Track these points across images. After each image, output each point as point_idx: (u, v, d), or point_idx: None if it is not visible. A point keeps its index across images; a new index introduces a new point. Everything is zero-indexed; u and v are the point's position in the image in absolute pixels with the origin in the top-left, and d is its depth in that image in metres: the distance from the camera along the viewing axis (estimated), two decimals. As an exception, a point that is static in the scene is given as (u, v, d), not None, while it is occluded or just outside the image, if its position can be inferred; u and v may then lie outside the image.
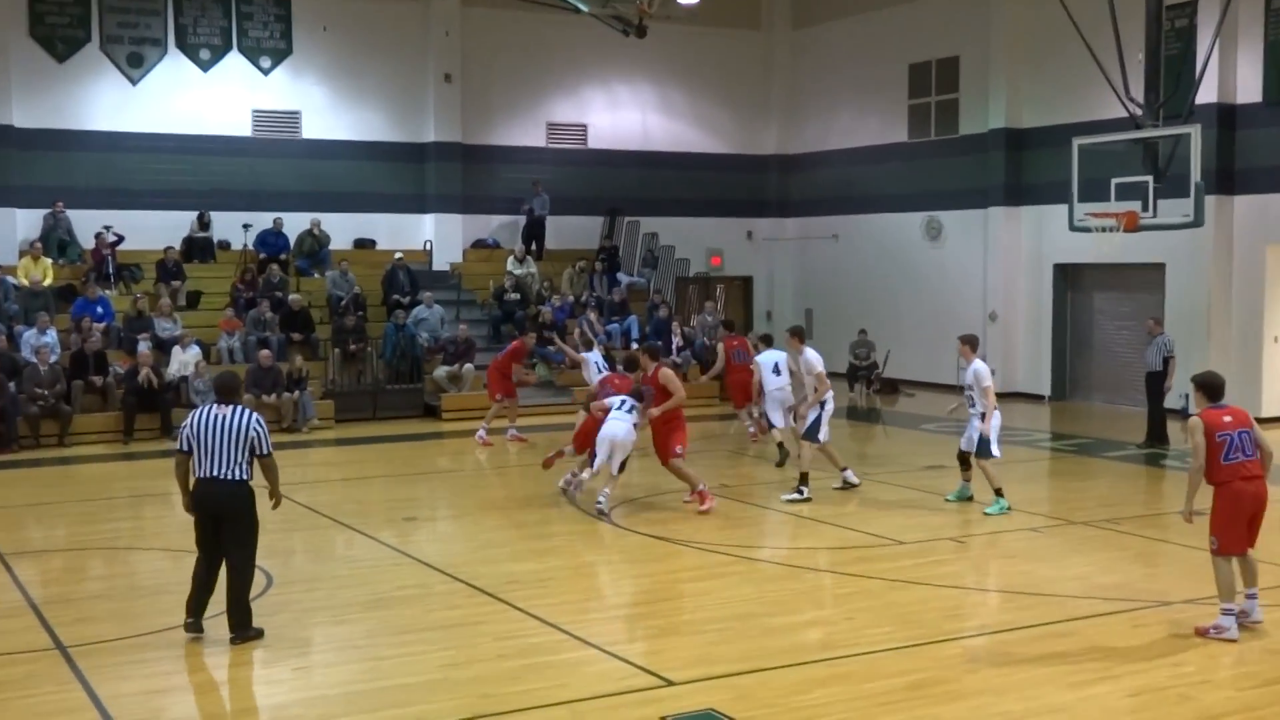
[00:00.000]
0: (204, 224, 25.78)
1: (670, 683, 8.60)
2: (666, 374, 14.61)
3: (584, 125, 30.09)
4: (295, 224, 26.09)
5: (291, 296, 24.04)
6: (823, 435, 15.26)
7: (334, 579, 11.73)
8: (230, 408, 9.51)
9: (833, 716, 7.95)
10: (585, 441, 15.00)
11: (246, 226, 25.79)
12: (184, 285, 24.32)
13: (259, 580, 11.19)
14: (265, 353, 21.63)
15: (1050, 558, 12.45)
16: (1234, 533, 9.48)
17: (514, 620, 10.21)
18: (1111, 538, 13.21)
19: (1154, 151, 19.49)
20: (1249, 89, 22.44)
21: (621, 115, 30.47)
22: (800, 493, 14.89)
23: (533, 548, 12.95)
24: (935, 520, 14.11)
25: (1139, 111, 19.99)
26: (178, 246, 25.14)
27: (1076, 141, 20.53)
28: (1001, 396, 25.48)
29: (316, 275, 25.70)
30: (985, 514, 14.05)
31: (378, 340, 23.93)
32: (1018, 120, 26.41)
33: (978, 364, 14.61)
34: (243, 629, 9.44)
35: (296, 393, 21.58)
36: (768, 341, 18.60)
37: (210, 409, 9.54)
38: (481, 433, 20.03)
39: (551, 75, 29.49)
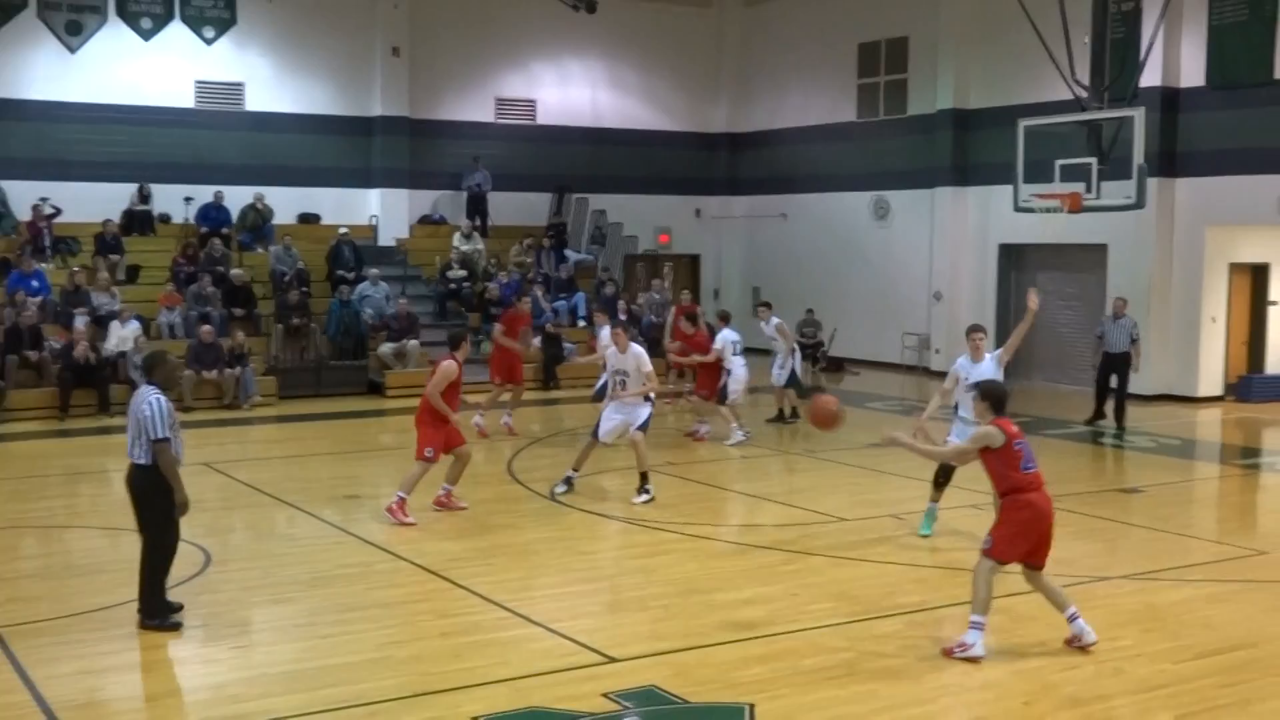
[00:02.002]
0: (144, 197, 25.42)
1: (612, 659, 8.61)
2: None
3: (533, 101, 29.95)
4: (238, 197, 25.77)
5: (234, 271, 23.78)
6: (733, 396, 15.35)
7: (274, 557, 11.66)
8: (143, 388, 9.24)
9: (774, 692, 7.98)
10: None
11: (188, 200, 25.48)
12: (123, 259, 24.00)
13: (197, 558, 11.15)
14: (206, 328, 21.41)
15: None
16: (1023, 542, 8.77)
17: (456, 598, 10.18)
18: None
19: (1098, 134, 19.64)
20: (1192, 73, 22.64)
21: (571, 91, 30.34)
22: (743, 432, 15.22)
23: (475, 525, 12.90)
24: (878, 497, 14.20)
25: (1084, 94, 20.15)
26: (116, 219, 24.77)
27: (1022, 123, 20.67)
28: (945, 376, 25.76)
29: (260, 250, 25.43)
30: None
31: (322, 316, 23.75)
32: (965, 101, 26.53)
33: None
34: (144, 616, 9.17)
35: (238, 369, 21.38)
36: (725, 319, 18.84)
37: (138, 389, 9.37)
38: (478, 419, 17.95)
39: (500, 50, 29.30)
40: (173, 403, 9.30)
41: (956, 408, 12.03)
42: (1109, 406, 19.90)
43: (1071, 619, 8.82)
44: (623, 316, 25.13)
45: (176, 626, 9.17)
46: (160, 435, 8.97)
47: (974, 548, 11.75)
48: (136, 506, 9.18)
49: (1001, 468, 8.84)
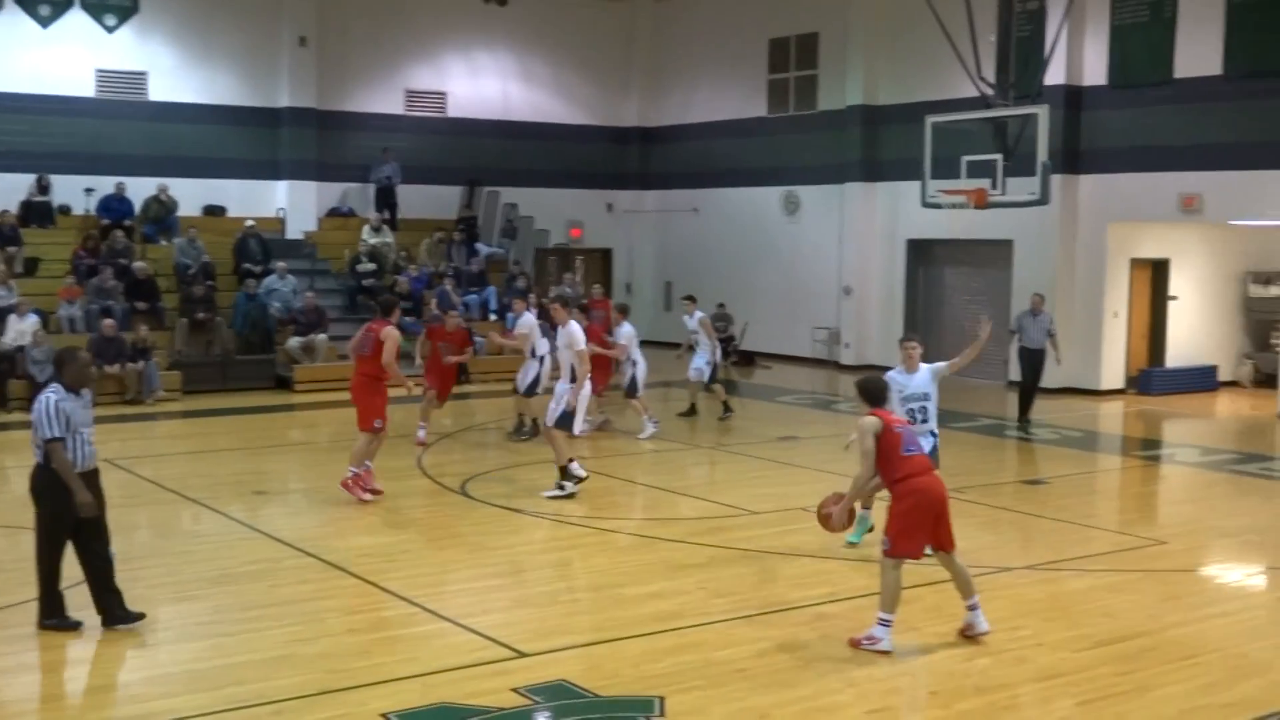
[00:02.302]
0: (43, 187, 24.88)
1: (522, 654, 8.59)
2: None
3: (443, 93, 29.75)
4: (141, 189, 25.30)
5: (136, 264, 23.35)
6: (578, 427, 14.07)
7: (179, 554, 11.47)
8: (46, 386, 8.97)
9: (684, 684, 8.01)
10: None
11: (89, 191, 24.99)
12: (21, 251, 23.44)
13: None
14: (108, 322, 21.02)
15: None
16: (916, 532, 8.68)
17: (364, 594, 10.10)
18: (956, 506, 13.45)
19: (1003, 131, 19.93)
20: (1095, 72, 23.05)
21: (482, 84, 30.18)
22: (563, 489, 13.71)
23: (385, 521, 12.81)
24: (787, 490, 14.29)
25: (990, 91, 20.43)
26: (14, 210, 24.22)
27: (929, 119, 20.91)
28: (855, 369, 26.04)
29: (164, 242, 25.00)
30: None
31: (228, 310, 23.42)
32: (874, 98, 26.78)
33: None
34: (42, 616, 8.94)
35: (141, 363, 21.03)
36: (624, 313, 18.81)
37: None
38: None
39: (410, 41, 29.07)
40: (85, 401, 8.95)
41: None
42: (1016, 398, 20.19)
43: (970, 608, 8.89)
44: (534, 310, 25.09)
45: (76, 626, 8.95)
46: (50, 435, 8.64)
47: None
48: (35, 506, 8.95)
49: (884, 455, 8.75)
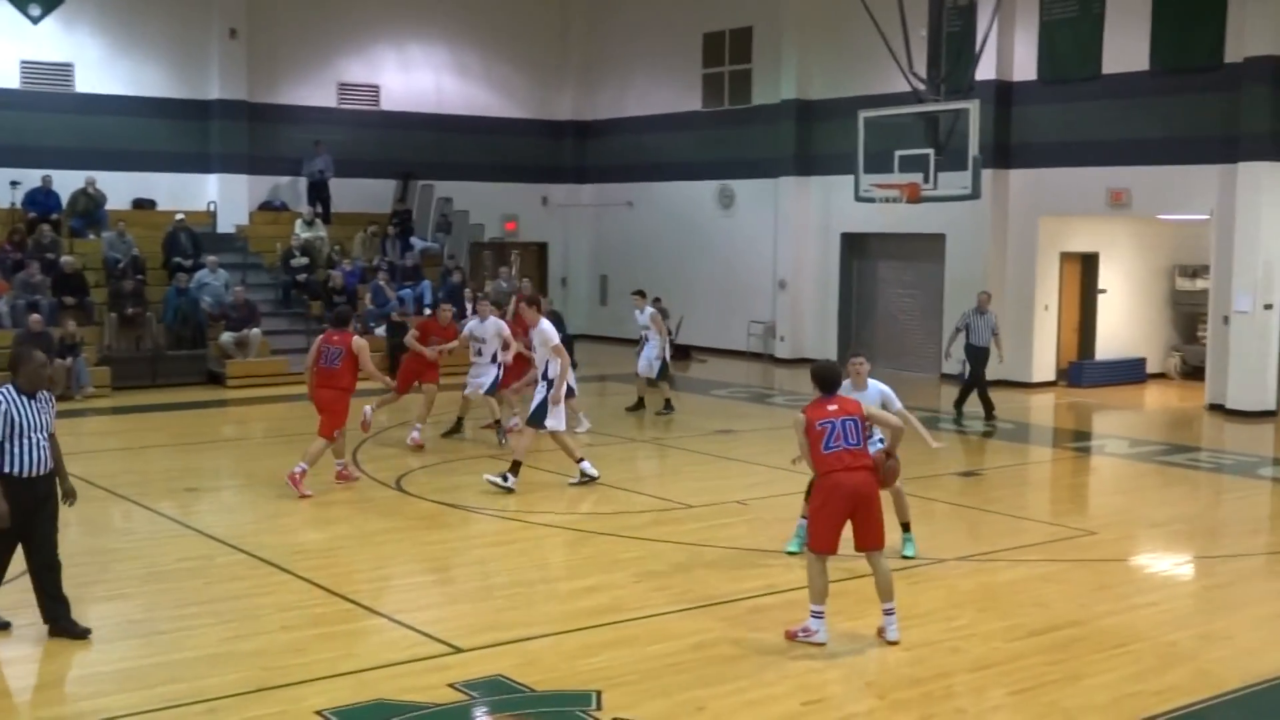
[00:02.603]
0: (-32, 181, 24.50)
1: (458, 649, 8.57)
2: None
3: (376, 86, 29.55)
4: (68, 182, 24.89)
5: (64, 258, 23.00)
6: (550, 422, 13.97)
7: (110, 552, 11.33)
8: None
9: (619, 679, 8.02)
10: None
11: (14, 184, 24.55)
12: (-54, 245, 23.10)
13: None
14: (35, 317, 20.67)
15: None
16: (827, 527, 8.64)
17: (299, 591, 10.03)
18: (889, 499, 13.58)
19: (935, 125, 20.08)
20: (1025, 67, 23.30)
21: (415, 77, 30.01)
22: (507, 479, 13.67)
23: (320, 516, 12.72)
24: (722, 484, 14.34)
25: (922, 86, 20.57)
26: (-61, 205, 23.85)
27: (862, 114, 21.03)
28: (790, 363, 26.18)
29: (92, 236, 24.64)
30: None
31: (158, 305, 23.13)
32: (808, 92, 26.91)
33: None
34: None
35: (70, 359, 20.73)
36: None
37: None
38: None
39: (342, 34, 28.85)
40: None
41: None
42: (956, 392, 20.18)
43: (886, 612, 8.83)
44: (469, 304, 25.00)
45: (4, 626, 8.80)
46: None
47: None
48: None
49: (810, 450, 8.79)
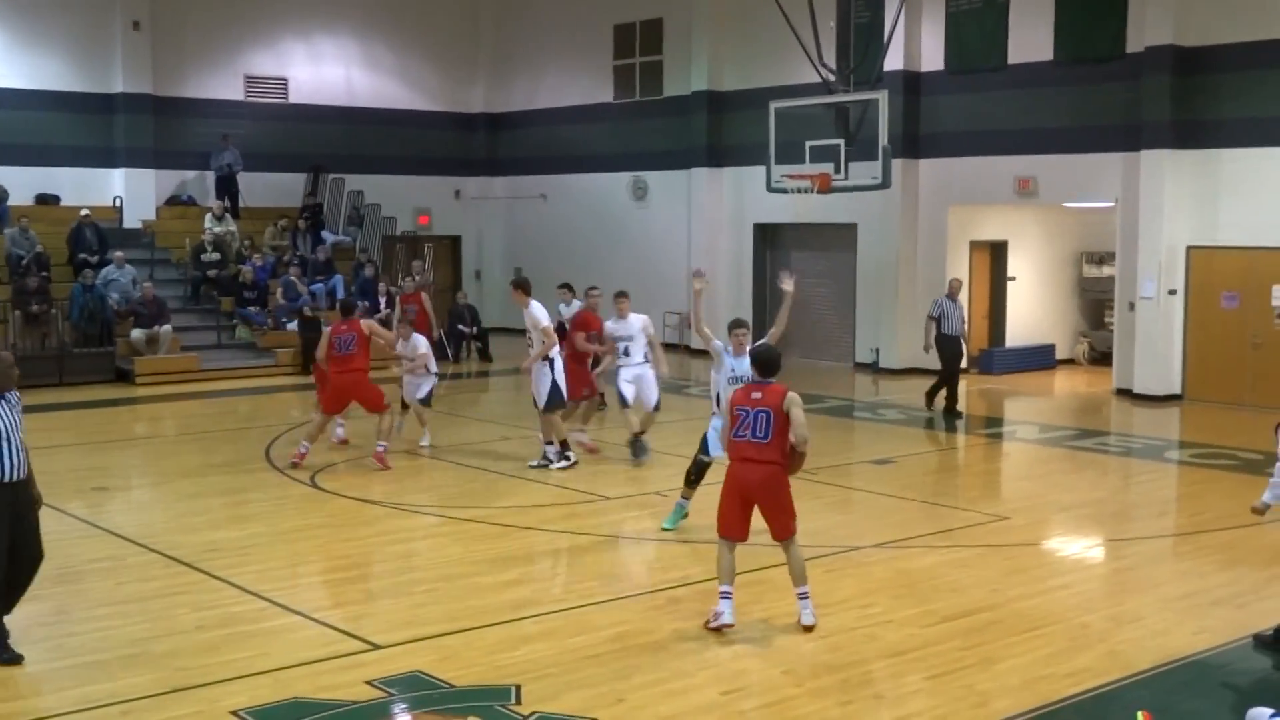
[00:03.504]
0: None
1: (376, 646, 8.52)
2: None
3: (284, 79, 29.19)
4: (-32, 178, 24.43)
5: (-34, 255, 22.55)
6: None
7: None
8: None
9: (539, 672, 8.02)
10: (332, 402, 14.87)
11: (-87, 180, 24.04)
12: None
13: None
14: (-62, 315, 20.26)
15: (750, 509, 12.85)
16: (724, 513, 8.90)
17: (213, 590, 9.91)
18: (806, 487, 13.69)
19: (845, 116, 20.26)
20: (932, 57, 23.54)
21: (324, 69, 29.69)
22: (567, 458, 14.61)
23: (233, 514, 12.58)
24: (641, 475, 14.37)
25: (831, 77, 20.73)
26: None
27: (773, 105, 21.15)
28: (705, 353, 26.24)
29: (-6, 233, 24.17)
30: None
31: (64, 302, 22.69)
32: (719, 83, 26.98)
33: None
34: None
35: (-27, 358, 20.27)
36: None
37: None
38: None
39: (248, 26, 28.46)
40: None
41: (718, 399, 11.27)
42: (929, 388, 19.44)
43: (800, 597, 8.94)
44: (383, 298, 24.86)
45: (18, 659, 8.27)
46: None
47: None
48: None
49: (725, 431, 9.01)
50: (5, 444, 8.23)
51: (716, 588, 8.90)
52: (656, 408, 15.10)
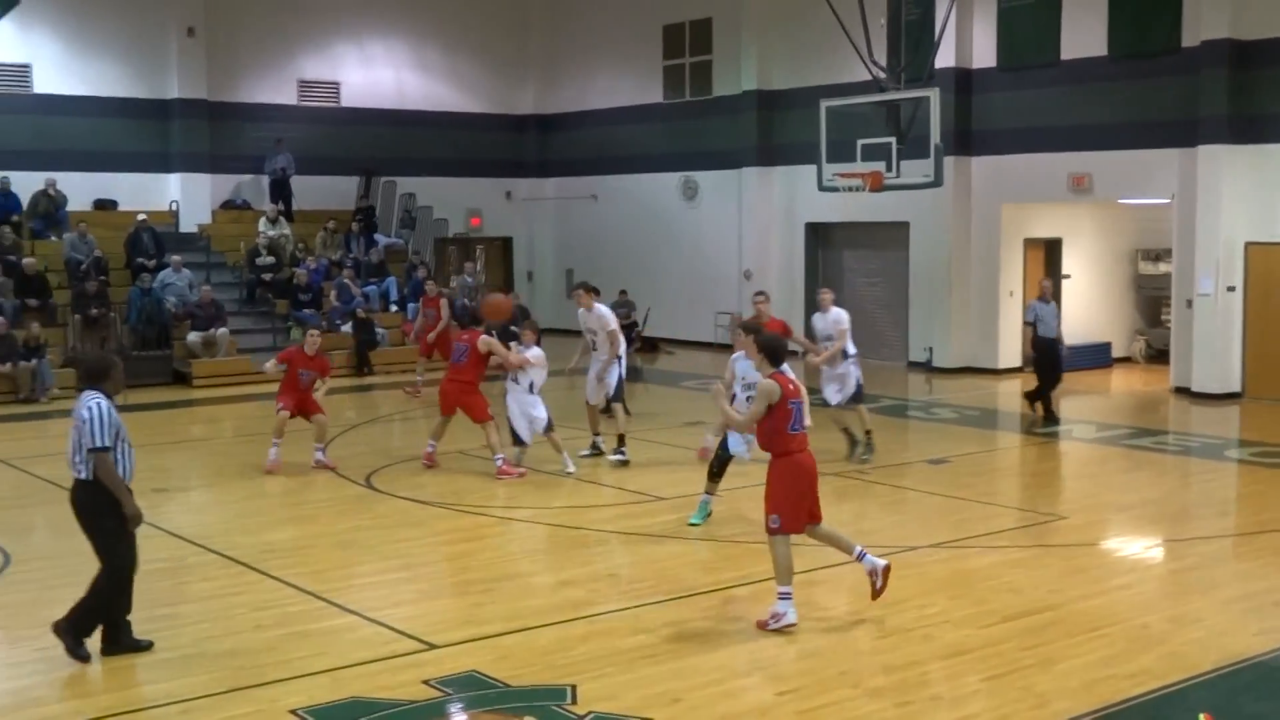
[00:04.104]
0: (-73, 184, 24.26)
1: (432, 646, 8.55)
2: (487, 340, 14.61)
3: (336, 83, 29.41)
4: (28, 183, 24.69)
5: (25, 260, 22.83)
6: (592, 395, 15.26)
7: (79, 555, 11.06)
8: (83, 394, 8.31)
9: (595, 672, 8.02)
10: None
11: (-26, 187, 24.39)
12: (-94, 249, 22.87)
13: (-5, 559, 10.74)
14: (-1, 319, 20.56)
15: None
16: (798, 508, 8.92)
17: (271, 590, 9.99)
18: (861, 488, 13.67)
19: (897, 114, 20.14)
20: (984, 54, 23.38)
21: (376, 73, 29.88)
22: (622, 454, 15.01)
23: (290, 515, 12.69)
24: (694, 475, 14.30)
25: (882, 75, 20.62)
26: (-102, 208, 23.60)
27: (824, 103, 21.07)
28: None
29: (53, 238, 24.45)
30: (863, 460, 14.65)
31: (122, 306, 22.96)
32: (769, 82, 26.92)
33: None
34: (71, 636, 8.23)
35: (34, 361, 20.57)
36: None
37: (79, 397, 8.40)
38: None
39: (301, 31, 28.70)
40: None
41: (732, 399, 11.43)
42: (1029, 391, 19.06)
43: (860, 556, 9.18)
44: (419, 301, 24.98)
45: (86, 658, 8.25)
46: (101, 444, 8.09)
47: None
48: (86, 528, 8.35)
49: (771, 427, 8.88)
50: (125, 446, 8.39)
51: (776, 588, 8.87)
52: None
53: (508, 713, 7.51)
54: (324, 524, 12.33)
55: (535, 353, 14.28)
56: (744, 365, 11.25)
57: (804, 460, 8.92)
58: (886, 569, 9.10)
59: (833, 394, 15.22)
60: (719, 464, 11.91)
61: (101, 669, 8.21)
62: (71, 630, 8.26)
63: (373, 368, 23.91)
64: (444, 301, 22.27)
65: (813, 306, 25.95)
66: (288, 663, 8.25)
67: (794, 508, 8.93)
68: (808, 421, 9.10)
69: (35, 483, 14.18)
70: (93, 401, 8.22)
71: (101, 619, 8.35)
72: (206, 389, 21.81)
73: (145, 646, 8.44)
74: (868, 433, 15.15)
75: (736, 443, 11.55)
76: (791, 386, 8.94)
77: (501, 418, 14.51)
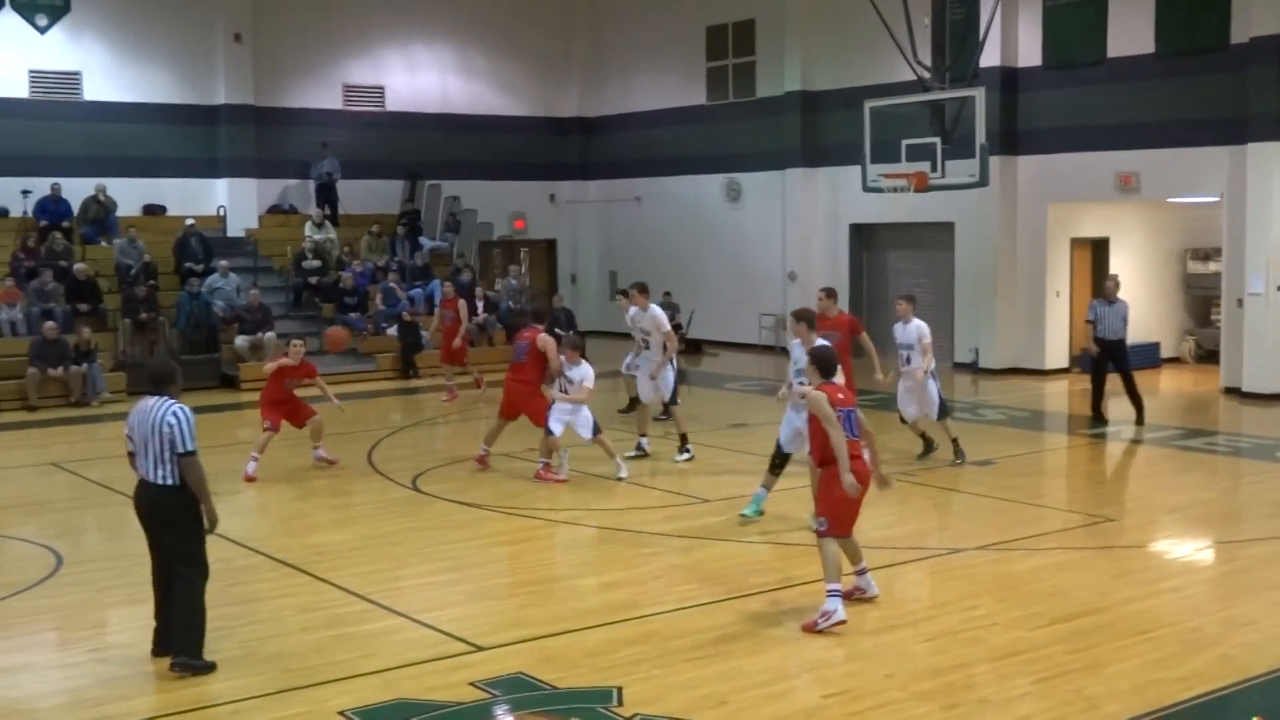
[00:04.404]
0: (-21, 190, 24.59)
1: (479, 648, 8.59)
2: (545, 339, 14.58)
3: (381, 87, 29.59)
4: (79, 189, 25.01)
5: (76, 266, 23.10)
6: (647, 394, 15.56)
7: (129, 556, 11.27)
8: (155, 399, 8.30)
9: (640, 674, 8.03)
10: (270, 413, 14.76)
11: (26, 193, 24.67)
12: (-41, 255, 23.19)
13: (48, 560, 10.88)
14: (50, 324, 20.79)
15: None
16: (848, 513, 9.16)
17: (319, 592, 10.06)
18: (907, 489, 13.60)
19: (941, 114, 20.07)
20: (1029, 53, 23.23)
21: (420, 77, 30.04)
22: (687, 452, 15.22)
23: (337, 518, 12.76)
24: (739, 477, 14.32)
25: (926, 75, 20.54)
26: (-49, 215, 23.96)
27: (868, 104, 21.02)
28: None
29: (103, 243, 24.74)
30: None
31: (171, 310, 23.20)
32: (812, 83, 26.86)
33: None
34: (186, 655, 8.13)
35: (85, 365, 20.80)
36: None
37: (143, 401, 8.39)
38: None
39: (346, 36, 28.90)
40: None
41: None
42: (1109, 400, 18.69)
43: (860, 573, 9.44)
44: (480, 302, 25.11)
45: (211, 667, 8.23)
46: (192, 448, 8.21)
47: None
48: (165, 531, 8.33)
49: (823, 435, 9.06)
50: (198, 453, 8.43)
51: (825, 586, 8.89)
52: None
53: (554, 714, 7.53)
54: (371, 526, 12.40)
55: (585, 372, 14.03)
56: (798, 351, 11.79)
57: (855, 469, 8.96)
58: (839, 623, 8.74)
59: (911, 410, 14.96)
60: (781, 458, 12.05)
61: (153, 670, 8.30)
62: (186, 651, 8.17)
63: (418, 370, 24.01)
64: (462, 303, 22.03)
65: (856, 309, 26.00)
66: (336, 664, 8.31)
67: (843, 513, 9.13)
68: (864, 430, 9.23)
69: (87, 485, 14.34)
70: (174, 407, 8.26)
71: (204, 620, 8.30)
72: (254, 392, 21.86)
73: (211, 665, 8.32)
74: (954, 440, 14.95)
75: (789, 440, 11.86)
76: (841, 396, 9.15)
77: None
